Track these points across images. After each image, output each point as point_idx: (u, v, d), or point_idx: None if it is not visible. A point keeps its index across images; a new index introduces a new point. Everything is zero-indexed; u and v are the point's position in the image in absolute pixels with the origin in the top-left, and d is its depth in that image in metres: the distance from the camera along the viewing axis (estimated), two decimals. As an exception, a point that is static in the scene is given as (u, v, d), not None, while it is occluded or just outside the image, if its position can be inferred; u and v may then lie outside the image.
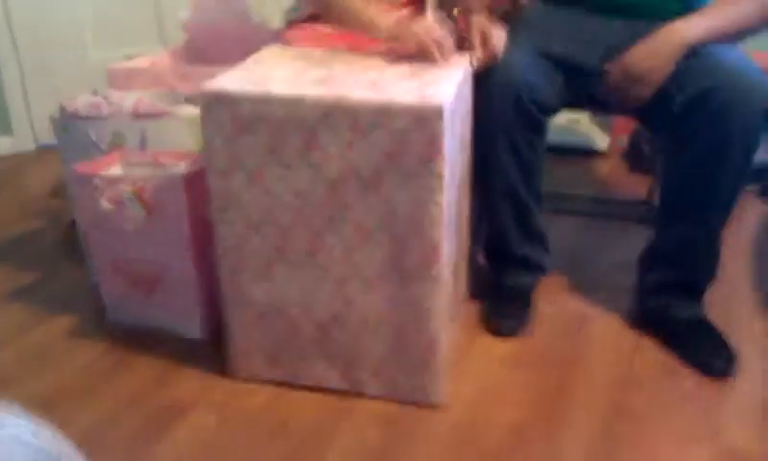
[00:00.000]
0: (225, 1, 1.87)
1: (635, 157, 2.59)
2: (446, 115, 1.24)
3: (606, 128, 2.73)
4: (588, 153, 2.69)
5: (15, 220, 2.25)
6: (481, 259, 1.87)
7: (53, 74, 2.70)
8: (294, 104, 1.27)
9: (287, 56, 1.51)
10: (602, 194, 2.44)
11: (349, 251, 1.37)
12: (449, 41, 1.48)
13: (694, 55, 1.51)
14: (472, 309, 1.78)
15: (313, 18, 1.74)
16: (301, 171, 1.32)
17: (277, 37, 1.71)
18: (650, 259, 1.70)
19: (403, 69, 1.42)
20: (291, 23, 1.78)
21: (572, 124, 2.71)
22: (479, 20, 1.56)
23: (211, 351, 1.60)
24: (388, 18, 1.52)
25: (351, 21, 1.55)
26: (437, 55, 1.44)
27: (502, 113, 1.54)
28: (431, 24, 1.49)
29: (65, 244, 2.02)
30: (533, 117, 1.56)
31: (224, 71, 1.42)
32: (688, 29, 1.53)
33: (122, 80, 1.74)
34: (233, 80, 1.33)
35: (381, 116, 1.25)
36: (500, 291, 1.78)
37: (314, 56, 1.50)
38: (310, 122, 1.28)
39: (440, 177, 1.28)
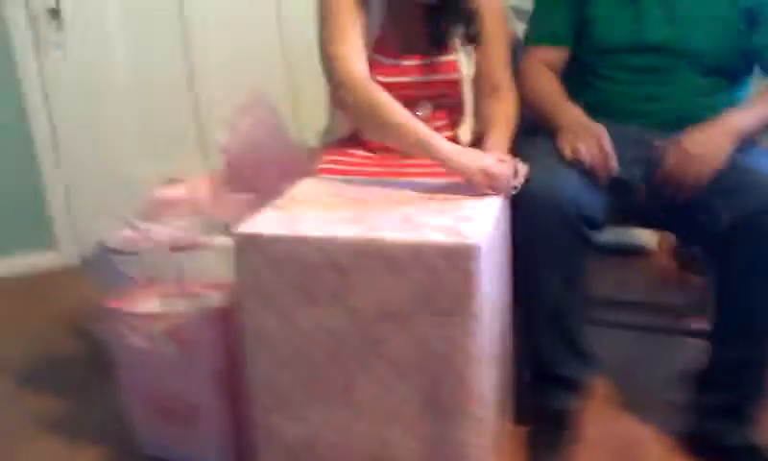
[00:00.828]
0: (263, 125, 1.87)
1: (685, 257, 2.50)
2: (482, 254, 1.20)
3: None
4: (636, 251, 2.62)
5: (53, 340, 2.26)
6: (527, 378, 1.78)
7: (97, 188, 2.76)
8: (326, 246, 1.25)
9: (321, 190, 1.50)
10: (651, 299, 2.34)
11: (385, 390, 1.32)
12: (511, 178, 1.45)
13: (736, 169, 1.47)
14: (517, 436, 1.68)
15: (348, 139, 1.75)
16: (334, 310, 1.29)
17: (314, 159, 1.72)
18: (703, 381, 1.62)
19: (439, 200, 1.39)
20: (326, 145, 1.79)
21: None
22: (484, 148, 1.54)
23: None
24: (447, 143, 1.48)
25: (408, 142, 1.49)
26: (490, 191, 1.42)
27: (548, 234, 1.48)
28: (496, 157, 1.46)
29: (100, 369, 2.00)
30: (580, 235, 1.50)
31: (262, 198, 1.42)
32: (740, 119, 1.56)
33: (159, 209, 1.75)
34: (266, 222, 1.32)
35: (415, 256, 1.21)
36: (544, 416, 1.70)
37: (348, 189, 1.49)
38: (343, 262, 1.25)
39: (477, 315, 1.23)
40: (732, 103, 1.69)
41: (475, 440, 1.31)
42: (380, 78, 1.62)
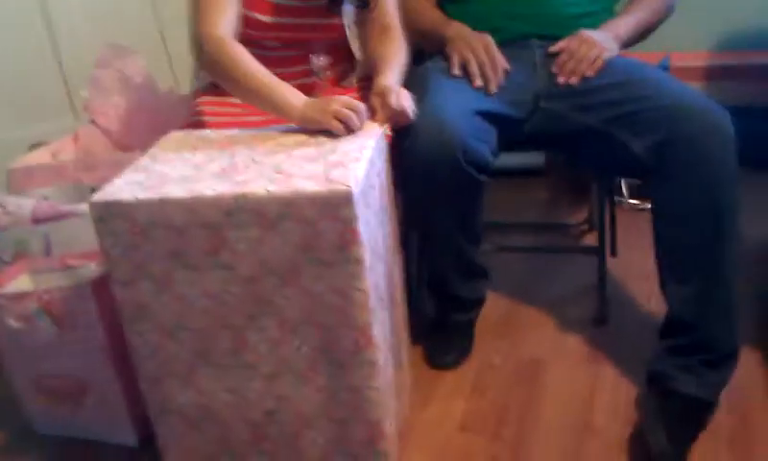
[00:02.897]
0: (124, 76, 1.76)
1: (570, 176, 2.53)
2: (356, 199, 1.16)
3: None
4: (523, 172, 2.64)
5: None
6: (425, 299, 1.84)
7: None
8: (193, 206, 1.18)
9: (186, 145, 1.41)
10: (541, 220, 2.39)
11: (276, 346, 1.28)
12: (362, 112, 1.37)
13: (632, 95, 1.48)
14: (420, 369, 1.71)
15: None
16: (211, 272, 1.23)
17: (186, 107, 1.64)
18: (663, 326, 1.51)
19: (310, 148, 1.32)
20: (199, 90, 1.70)
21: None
22: (378, 83, 1.47)
23: (148, 457, 1.51)
24: (301, 98, 1.41)
25: (263, 100, 1.42)
26: (344, 131, 1.35)
27: (438, 180, 1.45)
28: (344, 100, 1.37)
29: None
30: (472, 180, 1.47)
31: (133, 156, 1.34)
32: (623, 27, 1.66)
33: (22, 179, 1.63)
34: (124, 187, 1.23)
35: (287, 208, 1.16)
36: (442, 327, 1.78)
37: (215, 141, 1.41)
38: (213, 222, 1.19)
39: (359, 262, 1.19)
40: (608, 9, 1.73)
41: (372, 383, 1.30)
42: (258, 16, 1.53)
